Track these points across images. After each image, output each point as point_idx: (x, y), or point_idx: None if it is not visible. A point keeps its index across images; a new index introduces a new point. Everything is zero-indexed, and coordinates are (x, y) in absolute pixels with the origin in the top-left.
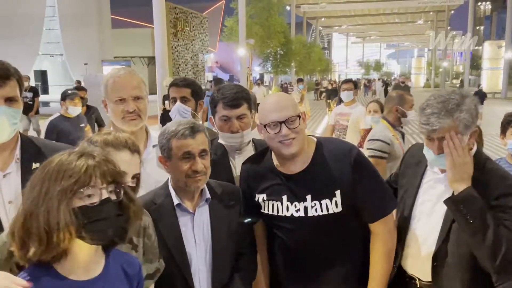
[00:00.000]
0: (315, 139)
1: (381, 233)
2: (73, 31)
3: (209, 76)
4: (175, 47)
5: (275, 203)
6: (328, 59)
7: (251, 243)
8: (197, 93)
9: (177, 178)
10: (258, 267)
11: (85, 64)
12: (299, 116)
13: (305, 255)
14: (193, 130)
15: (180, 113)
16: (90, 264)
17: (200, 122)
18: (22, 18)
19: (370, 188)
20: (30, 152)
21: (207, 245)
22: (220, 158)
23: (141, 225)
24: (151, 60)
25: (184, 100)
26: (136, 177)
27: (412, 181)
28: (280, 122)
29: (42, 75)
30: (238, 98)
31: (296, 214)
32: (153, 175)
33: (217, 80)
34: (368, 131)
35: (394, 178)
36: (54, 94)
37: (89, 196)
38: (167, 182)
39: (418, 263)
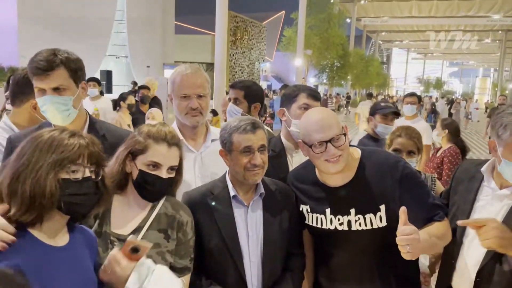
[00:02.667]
0: (360, 151)
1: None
2: (139, 34)
3: (263, 84)
4: (233, 55)
5: (319, 216)
6: (386, 74)
7: (300, 245)
8: (250, 96)
9: (236, 170)
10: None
11: (148, 66)
12: (344, 134)
13: (349, 268)
14: (254, 126)
15: (231, 113)
16: (60, 233)
17: None
18: (94, 20)
19: (420, 197)
20: (95, 134)
21: (259, 238)
22: (278, 155)
23: (177, 219)
24: (210, 66)
25: (236, 101)
26: (174, 169)
27: (465, 197)
28: (326, 142)
29: (107, 75)
30: (318, 93)
31: (339, 228)
32: (209, 167)
33: (283, 86)
34: (429, 147)
35: (445, 195)
36: (117, 93)
37: (73, 171)
38: (225, 174)
39: (465, 280)
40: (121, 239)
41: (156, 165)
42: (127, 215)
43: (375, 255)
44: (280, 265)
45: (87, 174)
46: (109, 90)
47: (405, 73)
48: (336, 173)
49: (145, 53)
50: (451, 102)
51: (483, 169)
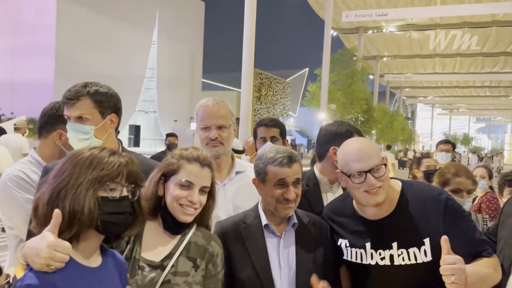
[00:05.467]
0: (400, 183)
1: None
2: (167, 91)
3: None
4: (257, 110)
5: (359, 251)
6: (411, 129)
7: (337, 280)
8: (284, 133)
9: (268, 201)
10: None
11: (175, 120)
12: (384, 164)
13: None
14: (291, 159)
15: None
16: (94, 254)
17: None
18: (126, 78)
19: (466, 231)
20: None
21: (291, 270)
22: (312, 190)
23: (208, 250)
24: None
25: (273, 139)
26: (205, 191)
27: None
28: (366, 172)
29: (135, 129)
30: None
31: (381, 263)
32: (232, 200)
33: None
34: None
35: (492, 231)
36: (144, 147)
37: (111, 189)
38: (257, 204)
39: None
40: (152, 266)
41: (188, 185)
42: (159, 241)
43: None
44: None
45: (125, 193)
46: (137, 143)
47: (430, 128)
48: (376, 205)
49: (173, 108)
50: (481, 158)
51: None
